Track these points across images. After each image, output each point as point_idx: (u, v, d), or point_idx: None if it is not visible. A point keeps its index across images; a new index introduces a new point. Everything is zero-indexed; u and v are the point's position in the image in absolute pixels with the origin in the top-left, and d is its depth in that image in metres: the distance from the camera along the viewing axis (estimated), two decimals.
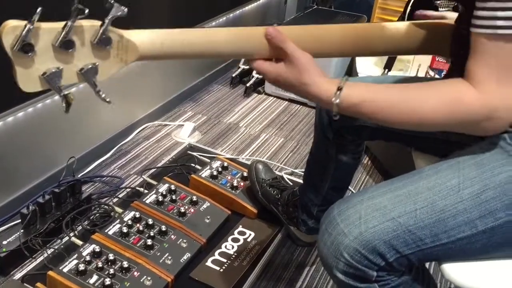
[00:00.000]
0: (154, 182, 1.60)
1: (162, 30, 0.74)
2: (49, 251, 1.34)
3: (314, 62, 0.79)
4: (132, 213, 1.42)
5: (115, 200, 1.58)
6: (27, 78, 0.65)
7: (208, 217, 1.48)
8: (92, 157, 1.83)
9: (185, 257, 1.33)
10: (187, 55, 0.76)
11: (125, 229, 1.34)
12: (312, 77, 0.78)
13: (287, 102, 2.49)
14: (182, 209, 1.46)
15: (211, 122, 2.23)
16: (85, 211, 1.50)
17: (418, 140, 1.08)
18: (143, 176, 1.63)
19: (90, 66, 0.68)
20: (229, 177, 1.65)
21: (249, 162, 1.84)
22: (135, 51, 0.72)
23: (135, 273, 1.24)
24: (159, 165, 1.80)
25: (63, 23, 0.65)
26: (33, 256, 1.35)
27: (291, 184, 1.60)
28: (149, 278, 1.23)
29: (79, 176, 1.70)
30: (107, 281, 1.18)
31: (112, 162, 1.86)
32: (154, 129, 2.11)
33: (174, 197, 1.51)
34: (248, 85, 2.50)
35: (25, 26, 0.61)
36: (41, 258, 1.31)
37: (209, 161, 1.73)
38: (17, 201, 1.51)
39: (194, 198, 1.51)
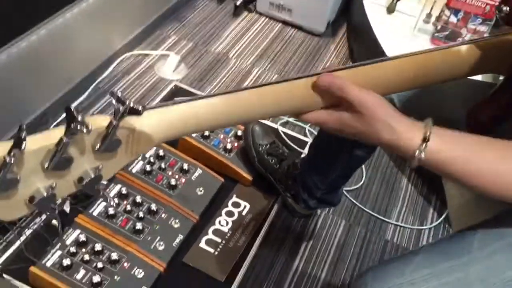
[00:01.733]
0: None
1: (182, 105, 0.56)
2: (26, 233, 1.22)
3: (385, 103, 0.63)
4: (118, 186, 1.29)
5: None
6: (8, 207, 0.48)
7: (201, 188, 1.37)
8: (67, 101, 1.63)
9: (177, 240, 1.25)
10: (219, 126, 0.60)
11: (111, 210, 1.23)
12: (388, 124, 0.61)
13: (280, 24, 2.25)
14: (173, 180, 1.33)
15: (198, 51, 2.00)
16: None
17: None
18: None
19: (93, 176, 0.52)
20: (221, 136, 1.50)
21: None
22: (149, 141, 0.55)
23: (125, 264, 1.16)
24: None
25: (56, 134, 0.47)
26: (6, 239, 1.24)
27: (288, 151, 1.47)
28: (140, 270, 1.16)
29: (52, 127, 1.53)
30: (96, 278, 1.10)
31: (90, 105, 1.67)
32: (135, 60, 1.88)
33: (163, 164, 1.37)
34: (237, 3, 2.22)
35: (4, 161, 0.44)
36: (18, 242, 1.20)
37: None
38: None
39: (185, 166, 1.38)
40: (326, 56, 2.13)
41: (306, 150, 1.60)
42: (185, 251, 1.26)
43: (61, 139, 0.47)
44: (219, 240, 1.31)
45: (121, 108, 0.50)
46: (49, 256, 1.12)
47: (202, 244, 1.29)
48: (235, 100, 0.62)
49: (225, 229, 1.34)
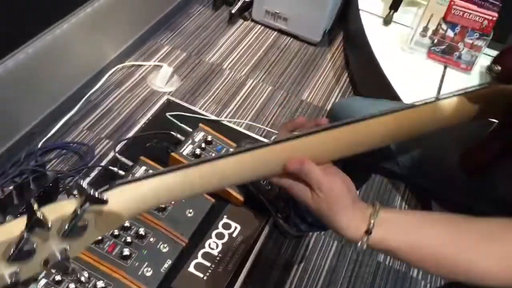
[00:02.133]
0: (129, 163, 1.43)
1: (155, 179, 0.55)
2: None
3: (343, 193, 0.62)
4: None
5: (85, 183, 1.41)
6: None
7: (190, 210, 1.35)
8: (58, 115, 1.61)
9: (166, 265, 1.23)
10: (193, 195, 0.59)
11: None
12: (337, 215, 0.62)
13: (276, 33, 2.22)
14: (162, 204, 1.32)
15: (192, 61, 1.97)
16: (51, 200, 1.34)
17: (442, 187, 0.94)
18: (116, 154, 1.45)
19: (59, 258, 0.50)
20: (212, 155, 1.48)
21: (234, 126, 1.67)
22: (119, 219, 0.53)
23: None
24: (133, 131, 1.60)
25: (16, 228, 0.46)
26: None
27: None
28: None
29: (41, 143, 1.51)
30: None
31: (80, 120, 1.64)
32: (127, 71, 1.86)
33: None
34: (233, 11, 2.19)
35: None
36: None
37: (190, 130, 1.54)
38: None
39: None
40: (322, 66, 2.10)
41: None
42: (173, 276, 1.24)
43: (22, 234, 0.46)
44: (208, 264, 1.29)
45: (85, 197, 0.48)
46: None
47: (191, 269, 1.27)
48: (210, 170, 0.60)
49: (215, 252, 1.32)
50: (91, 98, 1.72)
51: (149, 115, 1.64)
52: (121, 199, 0.53)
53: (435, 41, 1.80)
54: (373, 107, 0.98)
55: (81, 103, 1.68)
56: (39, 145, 1.51)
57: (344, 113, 1.00)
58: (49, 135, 1.55)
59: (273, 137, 1.69)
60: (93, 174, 1.43)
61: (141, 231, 1.24)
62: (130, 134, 1.57)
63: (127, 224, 1.25)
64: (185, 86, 1.86)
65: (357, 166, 1.04)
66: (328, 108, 1.90)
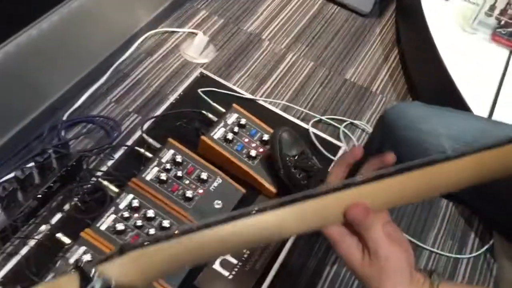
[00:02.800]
0: (156, 144, 1.33)
1: (172, 242, 0.44)
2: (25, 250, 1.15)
3: (403, 264, 0.51)
4: (130, 197, 1.19)
5: (109, 163, 1.33)
6: None
7: (219, 201, 1.26)
8: (84, 86, 1.52)
9: None
10: (222, 255, 0.49)
11: (120, 226, 1.13)
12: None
13: (322, 0, 2.04)
14: (189, 193, 1.23)
15: (229, 30, 1.83)
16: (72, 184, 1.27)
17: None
18: (143, 134, 1.35)
19: None
20: (246, 140, 1.37)
21: (270, 106, 1.54)
22: None
23: None
24: (162, 107, 1.49)
25: None
26: (6, 250, 1.17)
27: (317, 164, 1.32)
28: None
29: (66, 116, 1.43)
30: None
31: (108, 92, 1.55)
32: (159, 39, 1.74)
33: (179, 172, 1.26)
34: None
35: None
36: (18, 257, 1.13)
37: (223, 111, 1.43)
38: None
39: (204, 175, 1.27)
40: (369, 41, 1.92)
41: (337, 157, 1.46)
42: (197, 273, 1.17)
43: None
44: (235, 261, 1.21)
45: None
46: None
47: (216, 266, 1.19)
48: (246, 228, 0.48)
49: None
50: (120, 67, 1.62)
51: (180, 90, 1.53)
52: (132, 270, 0.43)
53: (502, 22, 1.60)
54: (437, 119, 0.84)
55: (109, 73, 1.58)
56: (64, 117, 1.43)
57: (402, 122, 0.86)
58: (74, 106, 1.47)
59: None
60: (118, 154, 1.35)
61: (165, 223, 1.16)
62: (160, 111, 1.47)
63: (151, 214, 1.17)
64: (220, 58, 1.73)
65: None
66: (374, 90, 1.75)
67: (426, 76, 1.71)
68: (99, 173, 1.29)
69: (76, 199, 1.23)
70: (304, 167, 1.27)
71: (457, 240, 1.38)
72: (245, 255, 1.22)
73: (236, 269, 1.20)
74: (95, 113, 1.48)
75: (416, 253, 1.34)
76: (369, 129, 1.60)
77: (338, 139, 1.54)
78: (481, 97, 1.49)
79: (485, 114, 1.46)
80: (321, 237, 1.33)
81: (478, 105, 1.45)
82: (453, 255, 1.35)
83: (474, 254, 1.36)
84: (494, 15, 1.62)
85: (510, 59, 1.60)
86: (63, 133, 1.40)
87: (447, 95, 1.57)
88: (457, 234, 1.39)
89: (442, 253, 1.35)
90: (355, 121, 1.61)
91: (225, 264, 1.20)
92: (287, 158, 1.29)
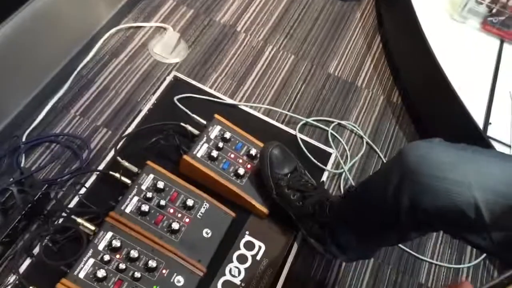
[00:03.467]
0: (133, 168, 1.19)
1: None
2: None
3: None
4: (109, 235, 1.06)
5: (81, 191, 1.18)
6: None
7: (208, 230, 1.15)
8: (44, 99, 1.34)
9: None
10: None
11: (101, 272, 1.00)
12: None
13: None
14: (175, 224, 1.11)
15: (200, 22, 1.66)
16: (40, 220, 1.12)
17: None
18: (118, 158, 1.20)
19: None
20: (232, 156, 1.25)
21: (254, 112, 1.42)
22: None
23: None
24: (135, 121, 1.33)
25: None
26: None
27: (312, 183, 1.22)
28: None
29: (25, 135, 1.26)
30: None
31: (72, 103, 1.38)
32: (123, 36, 1.56)
33: (162, 200, 1.13)
34: None
35: None
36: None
37: (204, 123, 1.29)
38: None
39: (189, 201, 1.15)
40: (350, 28, 1.80)
41: (328, 166, 1.36)
42: None
43: None
44: None
45: None
46: None
47: None
48: None
49: (237, 280, 1.14)
50: (82, 73, 1.44)
51: (153, 98, 1.38)
52: None
53: (494, 10, 1.51)
54: (465, 166, 0.74)
55: (70, 80, 1.40)
56: (23, 138, 1.26)
57: (425, 169, 0.76)
58: (34, 124, 1.29)
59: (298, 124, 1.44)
60: (90, 181, 1.20)
61: (152, 262, 1.04)
62: (132, 126, 1.32)
63: (135, 254, 1.05)
64: (193, 55, 1.57)
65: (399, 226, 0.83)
66: (359, 84, 1.64)
67: (413, 66, 1.62)
68: (70, 205, 1.15)
69: (46, 239, 1.09)
70: (298, 188, 1.16)
71: (456, 249, 1.33)
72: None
73: None
74: (58, 129, 1.31)
75: (416, 266, 1.29)
76: (358, 130, 1.51)
77: (327, 143, 1.44)
78: (474, 90, 1.41)
79: (481, 109, 1.39)
80: (317, 258, 1.25)
81: (471, 99, 1.37)
82: (453, 266, 1.30)
83: (474, 263, 1.31)
84: (485, 3, 1.52)
85: (502, 49, 1.53)
86: (23, 158, 1.23)
87: (436, 86, 1.49)
88: (455, 243, 1.34)
89: (441, 264, 1.30)
90: (343, 122, 1.51)
91: None
92: (279, 177, 1.18)
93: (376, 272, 1.25)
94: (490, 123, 1.34)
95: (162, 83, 1.44)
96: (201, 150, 1.23)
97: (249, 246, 1.19)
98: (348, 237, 1.03)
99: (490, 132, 1.32)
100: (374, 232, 0.94)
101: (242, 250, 1.18)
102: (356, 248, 1.05)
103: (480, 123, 1.33)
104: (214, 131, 1.27)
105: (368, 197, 0.91)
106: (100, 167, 1.22)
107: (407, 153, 0.79)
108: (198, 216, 1.15)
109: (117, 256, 1.04)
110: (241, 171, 1.22)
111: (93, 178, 1.20)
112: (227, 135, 1.26)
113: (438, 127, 1.51)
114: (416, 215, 0.78)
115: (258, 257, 1.18)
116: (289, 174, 1.19)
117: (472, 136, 1.33)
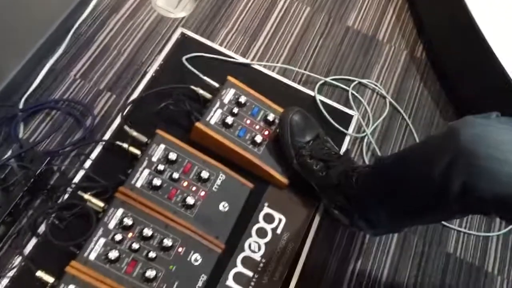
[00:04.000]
0: (143, 138, 1.09)
1: None
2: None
3: None
4: (120, 212, 0.98)
5: (87, 163, 1.09)
6: None
7: (225, 203, 1.07)
8: (41, 58, 1.22)
9: (200, 284, 0.98)
10: None
11: (114, 253, 0.93)
12: None
13: None
14: (190, 198, 1.02)
15: None
16: (43, 195, 1.04)
17: None
18: (126, 127, 1.10)
19: None
20: (248, 122, 1.15)
21: (268, 71, 1.31)
22: None
23: None
24: (141, 84, 1.22)
25: None
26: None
27: (336, 150, 1.12)
28: None
29: (22, 102, 1.16)
30: None
31: (71, 64, 1.26)
32: None
33: (175, 173, 1.04)
34: None
35: None
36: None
37: (216, 86, 1.18)
38: None
39: (204, 173, 1.06)
40: None
41: (350, 130, 1.27)
42: None
43: None
44: (250, 274, 1.05)
45: None
46: None
47: (230, 282, 1.03)
48: None
49: (257, 256, 1.07)
50: (80, 31, 1.31)
51: (159, 58, 1.27)
52: None
53: None
54: None
55: (68, 39, 1.28)
56: (20, 105, 1.16)
57: (483, 150, 0.66)
58: (31, 88, 1.19)
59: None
60: (96, 152, 1.11)
61: (167, 241, 0.97)
62: (138, 89, 1.22)
63: (148, 232, 0.97)
64: (200, 9, 1.43)
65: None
66: (380, 38, 1.51)
67: (439, 16, 1.49)
68: (75, 180, 1.06)
69: (51, 217, 1.01)
70: (321, 157, 1.07)
71: (485, 218, 1.26)
72: (261, 265, 1.06)
73: (253, 283, 1.04)
74: (58, 95, 1.21)
75: (443, 235, 1.22)
76: (380, 89, 1.40)
77: (348, 104, 1.34)
78: (511, 43, 1.29)
79: None
80: (339, 229, 1.18)
81: (508, 54, 1.24)
82: (482, 234, 1.24)
83: (504, 231, 1.24)
84: None
85: None
86: (21, 128, 1.13)
87: (466, 38, 1.36)
88: None
89: (470, 232, 1.23)
90: (364, 80, 1.40)
91: (240, 278, 1.04)
92: (300, 145, 1.09)
93: (402, 243, 1.19)
94: None
95: (168, 41, 1.32)
96: (214, 116, 1.13)
97: (269, 219, 1.12)
98: (379, 214, 0.95)
99: None
100: (412, 213, 0.86)
101: (262, 224, 1.11)
102: (387, 224, 0.97)
103: None
104: (228, 95, 1.17)
105: (407, 175, 0.82)
106: (106, 137, 1.13)
107: (460, 131, 0.69)
108: (213, 188, 1.07)
109: (130, 234, 0.97)
110: (258, 138, 1.13)
111: (98, 149, 1.11)
112: (242, 99, 1.16)
113: (467, 85, 1.40)
114: (469, 202, 0.69)
115: (279, 231, 1.11)
116: (311, 142, 1.10)
117: (508, 97, 1.22)
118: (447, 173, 0.70)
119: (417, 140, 1.34)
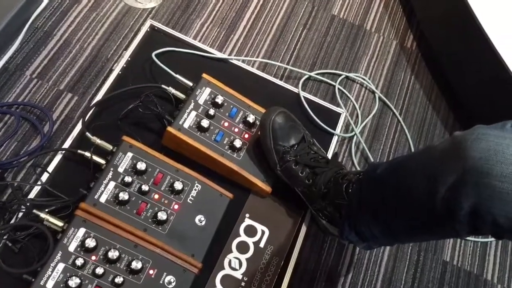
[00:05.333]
0: (107, 146, 0.97)
1: None
2: None
3: None
4: (81, 233, 0.86)
5: (44, 176, 0.97)
6: None
7: (201, 217, 0.96)
8: None
9: None
10: None
11: (74, 280, 0.82)
12: None
13: None
14: (162, 213, 0.91)
15: None
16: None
17: None
18: (88, 134, 0.98)
19: None
20: (226, 124, 1.04)
21: (247, 66, 1.19)
22: None
23: None
24: (106, 84, 1.09)
25: None
26: None
27: (323, 154, 1.02)
28: None
29: None
30: None
31: (26, 62, 1.13)
32: None
33: (144, 185, 0.93)
34: None
35: None
36: None
37: (190, 84, 1.07)
38: None
39: (178, 184, 0.95)
40: None
41: (338, 129, 1.16)
42: None
43: None
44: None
45: None
46: None
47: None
48: None
49: (238, 274, 0.97)
50: (37, 24, 1.18)
51: (127, 55, 1.14)
52: None
53: None
54: None
55: (23, 34, 1.14)
56: None
57: (497, 169, 0.57)
58: None
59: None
60: (55, 162, 0.99)
61: (135, 263, 0.86)
62: (103, 90, 1.09)
63: (114, 254, 0.86)
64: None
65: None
66: (368, 27, 1.41)
67: (431, 2, 1.39)
68: (31, 195, 0.94)
69: (4, 239, 0.89)
70: (307, 162, 0.97)
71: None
72: (242, 285, 0.96)
73: None
74: (11, 97, 1.08)
75: (439, 242, 1.13)
76: (369, 83, 1.30)
77: (334, 101, 1.24)
78: (509, 33, 1.19)
79: None
80: (328, 240, 1.08)
81: (506, 44, 1.15)
82: (480, 239, 1.15)
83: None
84: None
85: None
86: None
87: (460, 26, 1.27)
88: None
89: (468, 238, 1.15)
90: (351, 74, 1.30)
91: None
92: (285, 151, 0.98)
93: (395, 252, 1.10)
94: None
95: (136, 34, 1.19)
96: (188, 119, 1.02)
97: (251, 231, 1.01)
98: (372, 227, 0.85)
99: None
100: (410, 230, 0.76)
101: (243, 237, 1.00)
102: (380, 238, 0.87)
103: None
104: (203, 95, 1.05)
105: (404, 191, 0.72)
106: (66, 145, 1.00)
107: (469, 145, 0.59)
108: (188, 200, 0.96)
109: (93, 257, 0.86)
110: (237, 143, 1.02)
111: (57, 158, 0.99)
112: (219, 99, 1.05)
113: (462, 78, 1.30)
114: (479, 226, 0.60)
115: (262, 244, 1.01)
116: (296, 146, 0.99)
117: (508, 92, 1.13)
118: (454, 193, 0.60)
119: (410, 140, 1.25)
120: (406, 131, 1.26)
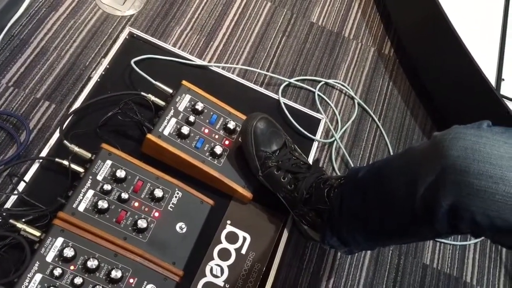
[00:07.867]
0: (86, 154, 0.96)
1: None
2: None
3: None
4: (59, 242, 0.85)
5: (20, 186, 0.95)
6: None
7: (182, 224, 0.95)
8: None
9: None
10: None
11: None
12: None
13: None
14: (142, 221, 0.90)
15: None
16: None
17: None
18: (66, 142, 0.96)
19: None
20: (206, 131, 1.04)
21: (228, 74, 1.19)
22: None
23: None
24: (84, 92, 1.08)
25: None
26: None
27: (304, 160, 1.03)
28: None
29: None
30: None
31: (2, 70, 1.11)
32: None
33: (124, 193, 0.92)
34: None
35: None
36: None
37: (170, 91, 1.07)
38: None
39: (158, 192, 0.94)
40: None
41: (318, 135, 1.17)
42: None
43: None
44: None
45: None
46: None
47: None
48: None
49: (220, 281, 0.96)
50: (13, 31, 1.16)
51: (105, 63, 1.13)
52: None
53: None
54: None
55: None
56: None
57: (474, 167, 0.58)
58: None
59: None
60: (32, 172, 0.97)
61: (115, 272, 0.85)
62: (81, 98, 1.08)
63: (93, 263, 0.85)
64: (151, 5, 1.30)
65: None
66: (346, 34, 1.42)
67: (407, 9, 1.41)
68: (7, 205, 0.92)
69: None
70: (289, 168, 0.97)
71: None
72: None
73: None
74: None
75: (418, 246, 1.14)
76: (348, 89, 1.31)
77: (314, 107, 1.25)
78: (483, 38, 1.22)
79: (492, 62, 1.21)
80: (309, 245, 1.09)
81: (480, 49, 1.18)
82: (459, 243, 1.17)
83: (481, 238, 1.18)
84: None
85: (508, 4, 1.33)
86: None
87: (436, 33, 1.29)
88: None
89: (446, 241, 1.16)
90: (330, 81, 1.31)
91: None
92: (266, 157, 0.98)
93: (376, 257, 1.10)
94: (503, 79, 1.16)
95: (114, 42, 1.18)
96: (168, 126, 1.01)
97: (232, 238, 1.01)
98: (353, 231, 0.86)
99: (503, 90, 1.15)
100: (391, 233, 0.77)
101: (224, 244, 1.00)
102: (362, 243, 0.88)
103: (492, 79, 1.16)
104: (183, 102, 1.05)
105: (385, 193, 0.73)
106: (43, 153, 0.99)
107: (447, 145, 0.60)
108: (169, 208, 0.95)
109: (71, 267, 0.84)
110: (218, 149, 1.02)
111: (35, 167, 0.97)
112: (199, 106, 1.05)
113: (438, 82, 1.33)
114: (458, 224, 0.61)
115: (243, 251, 1.00)
116: (277, 152, 0.99)
117: (482, 94, 1.16)
118: (433, 192, 0.61)
119: (389, 144, 1.26)
120: (385, 136, 1.27)
